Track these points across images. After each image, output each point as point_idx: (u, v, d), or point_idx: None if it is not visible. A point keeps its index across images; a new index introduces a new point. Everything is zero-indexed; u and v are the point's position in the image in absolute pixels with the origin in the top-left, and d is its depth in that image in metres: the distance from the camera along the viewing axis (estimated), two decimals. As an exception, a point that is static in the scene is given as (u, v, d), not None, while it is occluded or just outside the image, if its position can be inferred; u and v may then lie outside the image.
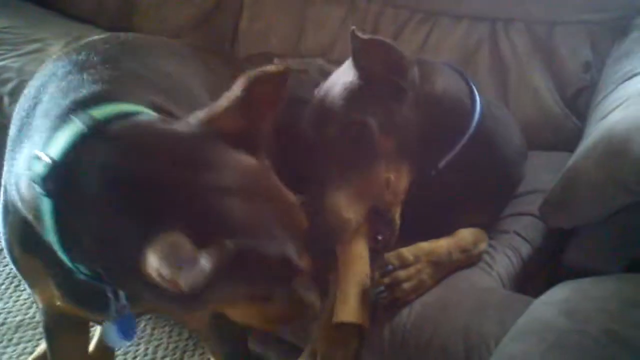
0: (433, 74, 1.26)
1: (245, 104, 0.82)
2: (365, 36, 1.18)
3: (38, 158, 0.80)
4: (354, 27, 1.17)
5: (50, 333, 1.20)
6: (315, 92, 1.30)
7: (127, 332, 1.00)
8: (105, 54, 1.04)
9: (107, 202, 0.75)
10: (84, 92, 0.89)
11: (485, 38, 1.84)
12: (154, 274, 0.65)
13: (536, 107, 1.72)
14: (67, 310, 1.02)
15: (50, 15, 2.49)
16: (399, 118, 1.20)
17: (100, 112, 0.82)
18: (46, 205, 0.78)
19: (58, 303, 1.01)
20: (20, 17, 2.38)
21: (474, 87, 1.29)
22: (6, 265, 1.97)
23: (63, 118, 0.84)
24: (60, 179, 0.77)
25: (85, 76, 0.94)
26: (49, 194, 0.78)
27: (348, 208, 1.16)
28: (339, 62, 1.34)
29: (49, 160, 0.78)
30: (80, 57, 1.01)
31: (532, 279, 1.27)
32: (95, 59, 1.00)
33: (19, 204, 0.87)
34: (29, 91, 0.99)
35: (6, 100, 1.84)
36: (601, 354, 0.85)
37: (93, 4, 2.48)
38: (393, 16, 1.98)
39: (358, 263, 1.17)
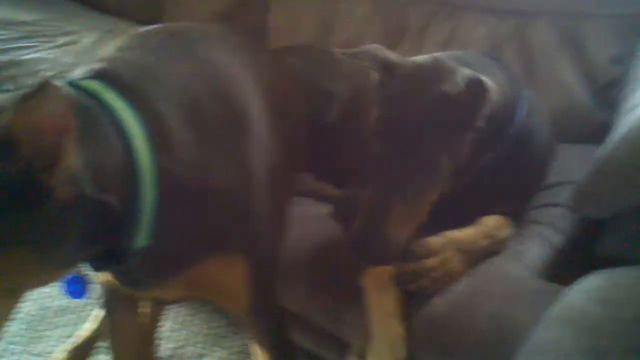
0: (496, 83, 1.17)
1: None
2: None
3: None
4: None
5: (107, 307, 1.31)
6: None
7: (75, 292, 1.10)
8: (157, 46, 1.06)
9: None
10: (113, 65, 0.95)
11: (512, 32, 1.85)
12: None
13: (565, 100, 1.73)
14: (116, 285, 1.08)
15: (81, 9, 2.56)
16: (466, 140, 1.15)
17: (84, 82, 0.90)
18: None
19: (109, 279, 1.07)
20: (53, 10, 2.45)
21: (521, 84, 1.29)
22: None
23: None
24: None
25: (115, 57, 1.00)
26: None
27: (399, 230, 1.13)
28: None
29: None
30: (133, 45, 1.05)
31: (564, 269, 1.29)
32: (144, 50, 1.04)
33: None
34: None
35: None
36: (634, 341, 0.87)
37: (122, -3, 2.53)
38: (419, 10, 2.00)
39: (391, 321, 1.16)
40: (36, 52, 2.10)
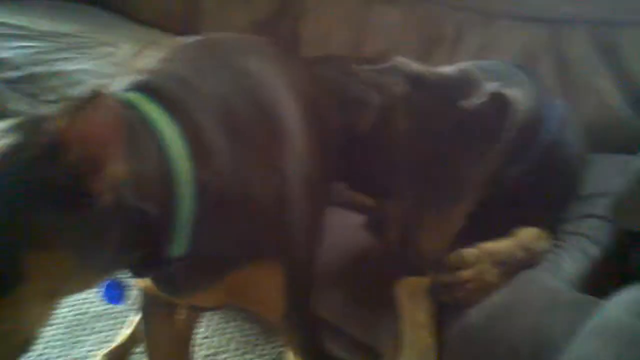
0: (525, 95, 1.19)
1: None
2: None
3: None
4: None
5: (144, 313, 1.33)
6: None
7: (113, 297, 1.12)
8: (195, 56, 1.11)
9: None
10: (153, 77, 0.99)
11: (548, 41, 1.84)
12: None
13: (600, 109, 1.71)
14: (154, 291, 1.11)
15: (119, 20, 2.59)
16: (496, 154, 1.17)
17: (125, 94, 0.92)
18: None
19: (148, 285, 1.10)
20: (92, 22, 2.49)
21: (550, 100, 1.29)
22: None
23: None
24: None
25: (168, 67, 1.04)
26: None
27: (432, 240, 1.16)
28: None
29: None
30: (172, 57, 1.09)
31: (601, 281, 1.28)
32: (183, 60, 1.08)
33: None
34: None
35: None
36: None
37: (159, 9, 2.57)
38: (453, 19, 1.99)
39: (423, 332, 1.17)
40: (76, 63, 2.14)
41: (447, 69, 1.22)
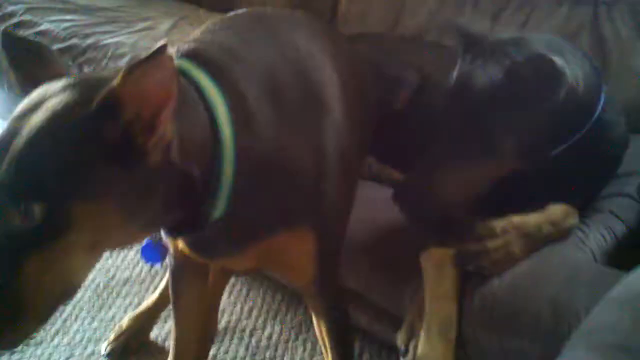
0: (576, 69, 1.19)
1: None
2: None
3: None
4: None
5: (174, 276, 1.34)
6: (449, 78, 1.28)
7: (151, 257, 1.22)
8: (245, 28, 1.14)
9: None
10: (202, 46, 1.01)
11: (587, 21, 1.82)
12: None
13: (637, 91, 1.68)
14: (187, 254, 1.13)
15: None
16: (533, 123, 1.18)
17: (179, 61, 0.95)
18: None
19: (183, 247, 1.12)
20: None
21: (602, 82, 1.27)
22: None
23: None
24: None
25: (210, 38, 1.06)
26: None
27: (449, 192, 1.18)
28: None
29: None
30: (223, 26, 1.12)
31: (626, 258, 1.27)
32: (234, 32, 1.11)
33: None
34: None
35: (121, 73, 1.97)
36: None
37: (198, -15, 2.60)
38: (492, -1, 1.98)
39: (444, 303, 1.19)
40: (115, 36, 2.19)
41: (506, 35, 1.22)
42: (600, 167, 1.33)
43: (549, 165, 1.23)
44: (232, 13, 1.23)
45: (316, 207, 1.10)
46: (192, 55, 0.98)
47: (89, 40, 2.17)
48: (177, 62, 0.95)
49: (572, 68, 1.17)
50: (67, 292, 0.85)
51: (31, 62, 0.93)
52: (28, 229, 0.77)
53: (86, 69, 2.08)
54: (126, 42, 2.14)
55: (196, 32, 1.11)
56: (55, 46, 2.16)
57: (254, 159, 0.97)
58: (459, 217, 1.20)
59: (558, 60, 1.13)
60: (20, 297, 0.79)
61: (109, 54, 2.10)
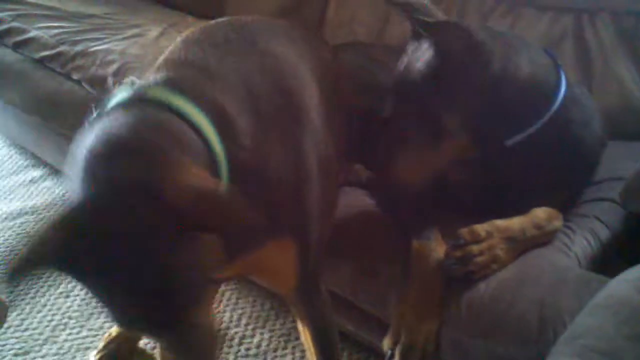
0: (518, 55, 1.25)
1: None
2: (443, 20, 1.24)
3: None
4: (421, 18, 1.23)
5: None
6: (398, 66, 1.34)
7: None
8: (221, 39, 1.14)
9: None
10: (164, 73, 1.01)
11: (570, 29, 1.83)
12: None
13: (620, 97, 1.70)
14: None
15: (147, 3, 2.63)
16: (468, 97, 1.22)
17: (153, 90, 0.96)
18: None
19: None
20: (119, 4, 2.54)
21: (562, 72, 1.30)
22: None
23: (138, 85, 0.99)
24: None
25: (185, 56, 1.07)
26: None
27: (409, 173, 1.26)
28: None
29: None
30: (200, 39, 1.13)
31: (610, 262, 1.29)
32: (210, 43, 1.11)
33: None
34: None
35: (110, 80, 1.97)
36: (676, 330, 0.87)
37: (187, -8, 2.61)
38: (478, 6, 1.99)
39: (430, 273, 1.23)
40: (104, 43, 2.18)
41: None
42: (574, 166, 1.34)
43: (507, 156, 1.26)
44: (211, 23, 1.23)
45: (297, 214, 1.12)
46: (170, 84, 0.98)
47: (78, 48, 2.16)
48: (156, 93, 0.96)
49: (511, 51, 1.23)
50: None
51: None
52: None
53: (75, 76, 2.08)
54: (115, 49, 2.14)
55: (174, 47, 1.12)
56: (44, 53, 2.17)
57: (243, 172, 0.98)
58: (427, 205, 1.29)
59: (476, 34, 1.20)
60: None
61: (98, 61, 2.09)
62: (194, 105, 0.95)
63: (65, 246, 0.79)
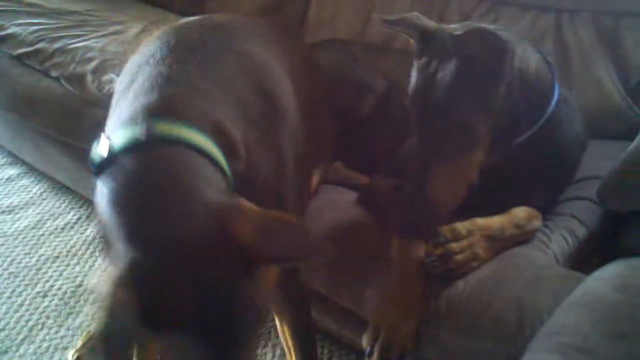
0: (526, 54, 1.24)
1: None
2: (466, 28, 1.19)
3: (102, 142, 0.92)
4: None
5: None
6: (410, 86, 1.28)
7: None
8: (197, 42, 1.10)
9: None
10: (155, 97, 0.97)
11: (551, 28, 1.85)
12: None
13: (599, 96, 1.72)
14: None
15: (127, 0, 2.62)
16: (497, 100, 1.18)
17: (161, 126, 0.92)
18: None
19: None
20: (102, 1, 2.53)
21: (554, 70, 1.31)
22: (83, 232, 2.12)
23: (133, 118, 0.94)
24: (104, 170, 0.89)
25: (167, 72, 1.01)
26: (97, 177, 0.90)
27: (444, 190, 1.18)
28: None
29: (104, 152, 0.90)
30: (174, 43, 1.08)
31: (587, 260, 1.30)
32: (186, 48, 1.07)
33: None
34: (131, 65, 1.08)
35: (89, 77, 1.96)
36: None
37: (168, -10, 2.60)
38: (459, 4, 2.01)
39: (409, 265, 1.22)
40: (84, 40, 2.16)
41: (458, 25, 1.26)
42: (558, 166, 1.35)
43: (513, 156, 1.26)
44: (183, 23, 1.19)
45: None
46: (170, 113, 0.95)
47: (57, 45, 2.14)
48: (170, 129, 0.92)
49: (520, 49, 1.21)
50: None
51: None
52: None
53: (53, 73, 2.06)
54: (95, 46, 2.12)
55: (151, 59, 1.06)
56: (22, 50, 2.15)
57: (242, 184, 0.98)
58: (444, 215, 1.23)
59: (501, 33, 1.17)
60: None
61: (77, 58, 2.07)
62: (201, 134, 0.93)
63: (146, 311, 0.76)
